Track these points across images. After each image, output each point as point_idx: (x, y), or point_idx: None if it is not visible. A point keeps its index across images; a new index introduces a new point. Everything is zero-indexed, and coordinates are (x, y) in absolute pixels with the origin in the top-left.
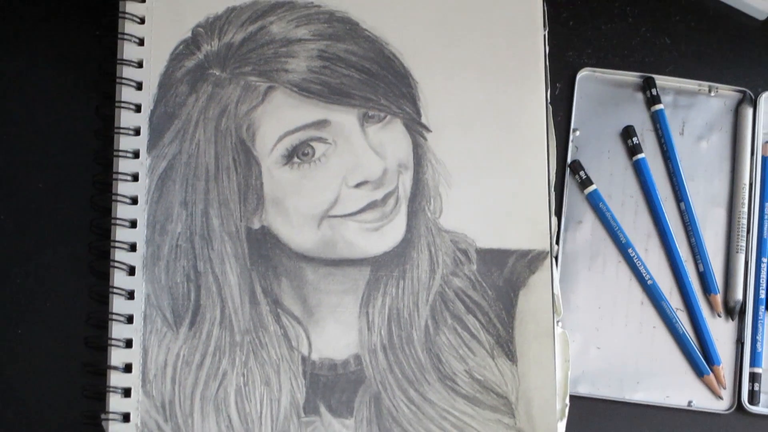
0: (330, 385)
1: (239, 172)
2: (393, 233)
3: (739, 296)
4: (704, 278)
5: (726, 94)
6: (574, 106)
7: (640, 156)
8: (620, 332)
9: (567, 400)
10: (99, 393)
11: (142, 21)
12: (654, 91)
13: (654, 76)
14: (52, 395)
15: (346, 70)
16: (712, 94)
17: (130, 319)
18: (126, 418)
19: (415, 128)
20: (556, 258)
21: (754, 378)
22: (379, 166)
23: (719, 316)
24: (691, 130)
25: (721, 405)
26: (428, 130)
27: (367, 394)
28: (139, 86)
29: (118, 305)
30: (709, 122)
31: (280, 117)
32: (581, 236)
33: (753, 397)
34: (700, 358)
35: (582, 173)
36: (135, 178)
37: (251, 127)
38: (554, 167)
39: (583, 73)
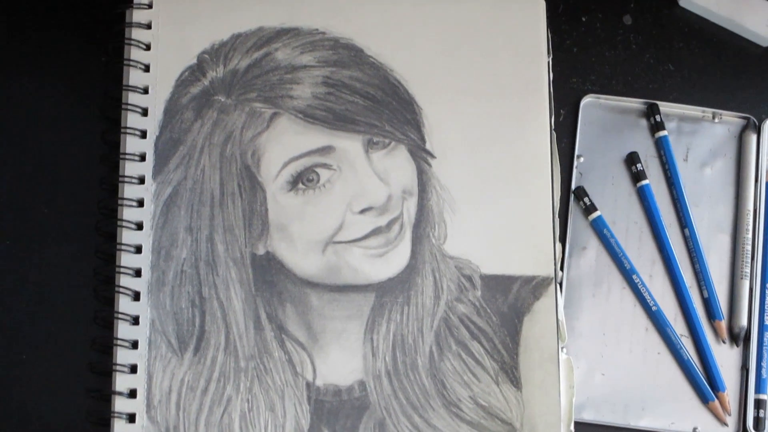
0: (334, 411)
1: (244, 197)
2: (397, 259)
3: (744, 322)
4: (709, 304)
5: (730, 120)
6: (578, 132)
7: (644, 182)
8: (625, 358)
9: (571, 427)
10: (104, 418)
11: (148, 47)
12: (658, 118)
13: (658, 102)
14: (57, 420)
15: (350, 96)
16: (716, 120)
17: (135, 345)
18: None
19: (420, 154)
20: (561, 284)
21: (759, 405)
22: (384, 192)
23: (724, 342)
24: (695, 156)
25: None
26: (433, 156)
27: (371, 420)
28: (144, 112)
29: (123, 330)
30: (713, 149)
31: (285, 143)
32: (586, 262)
33: (758, 424)
34: (705, 384)
35: (586, 199)
36: (140, 203)
37: (256, 153)
38: (558, 193)
39: (587, 100)
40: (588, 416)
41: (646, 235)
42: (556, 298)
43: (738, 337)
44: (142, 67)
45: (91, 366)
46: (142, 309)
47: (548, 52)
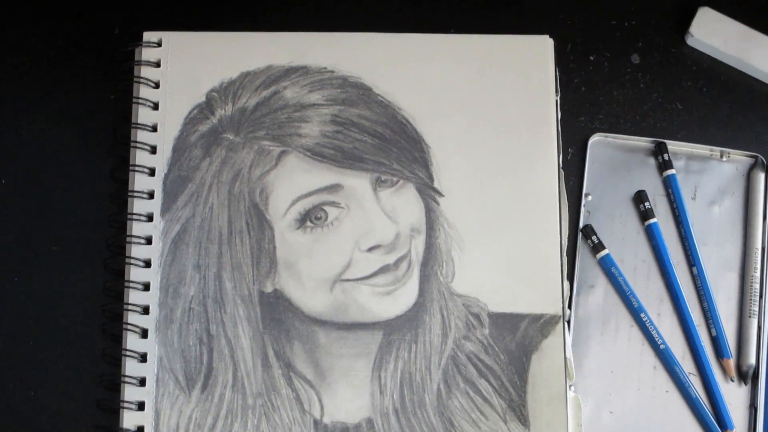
0: None
1: (252, 235)
2: (405, 297)
3: (752, 361)
4: (717, 343)
5: (738, 159)
6: (586, 170)
7: (652, 221)
8: (633, 397)
9: None
10: None
11: (157, 85)
12: (666, 156)
13: (666, 141)
14: None
15: (359, 134)
16: (724, 159)
17: (142, 382)
18: None
19: (428, 193)
20: (569, 322)
21: None
22: (392, 231)
23: (732, 380)
24: (703, 194)
25: None
26: (441, 194)
27: None
28: (153, 150)
29: (131, 368)
30: (721, 187)
31: (293, 181)
32: (593, 301)
33: None
34: (713, 422)
35: (594, 238)
36: (148, 241)
37: (264, 191)
38: (566, 232)
39: (595, 138)
40: None
41: (654, 273)
42: (564, 337)
43: (746, 376)
44: (151, 105)
45: (99, 403)
46: (150, 346)
47: (556, 91)
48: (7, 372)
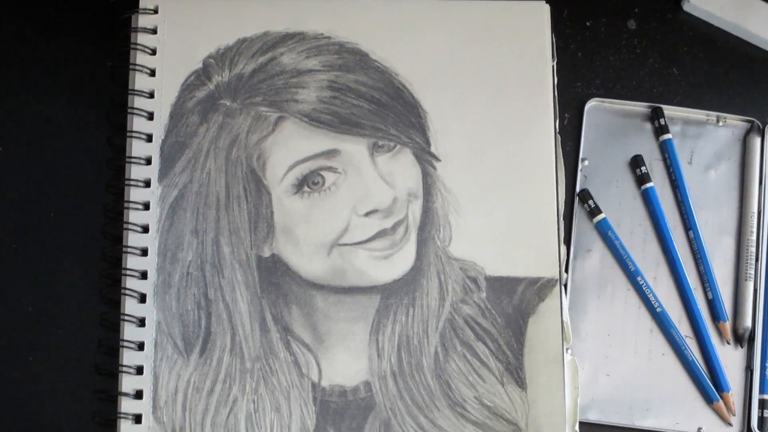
0: (340, 412)
1: (250, 201)
2: (402, 261)
3: (748, 323)
4: (713, 306)
5: (734, 123)
6: (583, 136)
7: (648, 185)
8: (629, 360)
9: (576, 427)
10: (110, 419)
11: (154, 52)
12: (662, 121)
13: (662, 106)
14: (64, 422)
15: (356, 100)
16: (720, 124)
17: (141, 346)
18: None
19: (425, 157)
20: (566, 286)
21: (763, 405)
22: (389, 195)
23: (728, 343)
24: (699, 159)
25: None
26: (438, 159)
27: (377, 421)
28: (150, 116)
29: (130, 332)
30: (718, 152)
31: (290, 147)
32: (590, 265)
33: (763, 424)
34: (709, 385)
35: (591, 202)
36: (146, 206)
37: (262, 156)
38: (563, 196)
39: (591, 104)
40: (593, 417)
41: (651, 237)
42: (560, 300)
43: (742, 338)
44: (148, 71)
45: (98, 367)
46: (148, 311)
47: (553, 56)
48: (5, 335)
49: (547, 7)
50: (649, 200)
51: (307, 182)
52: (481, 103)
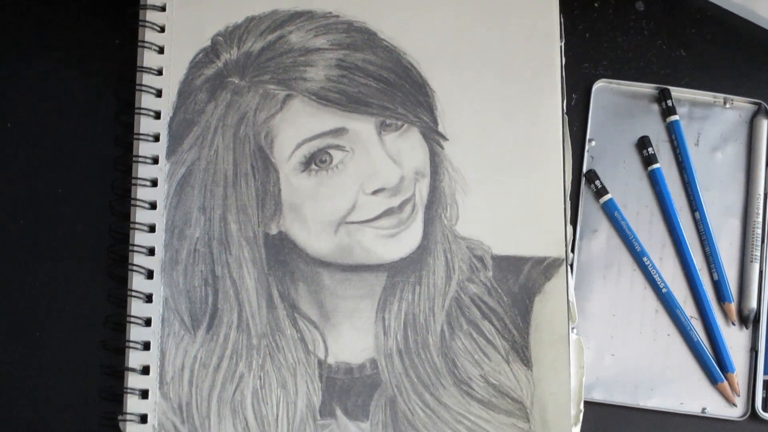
0: (346, 389)
1: (257, 178)
2: (409, 240)
3: (754, 305)
4: (719, 287)
5: (741, 106)
6: (590, 116)
7: (655, 166)
8: (635, 340)
9: (581, 406)
10: (116, 395)
11: (162, 29)
12: (669, 103)
13: (669, 87)
14: (70, 397)
15: (363, 79)
16: (727, 105)
17: (148, 322)
18: (143, 419)
19: (432, 137)
20: (572, 266)
21: (767, 385)
22: (396, 174)
23: (733, 324)
24: (706, 141)
25: (734, 412)
26: (445, 138)
27: (382, 398)
28: (158, 93)
29: (137, 308)
30: (724, 134)
31: (298, 125)
32: (596, 245)
33: (767, 405)
34: (714, 365)
35: (597, 183)
36: (154, 183)
37: (269, 134)
38: (570, 176)
39: (598, 85)
40: (598, 396)
41: (657, 218)
42: (566, 279)
43: (747, 320)
44: (157, 48)
45: (105, 343)
46: (156, 287)
47: (561, 37)
48: (12, 312)
49: None
50: (655, 181)
51: (315, 160)
52: (488, 82)
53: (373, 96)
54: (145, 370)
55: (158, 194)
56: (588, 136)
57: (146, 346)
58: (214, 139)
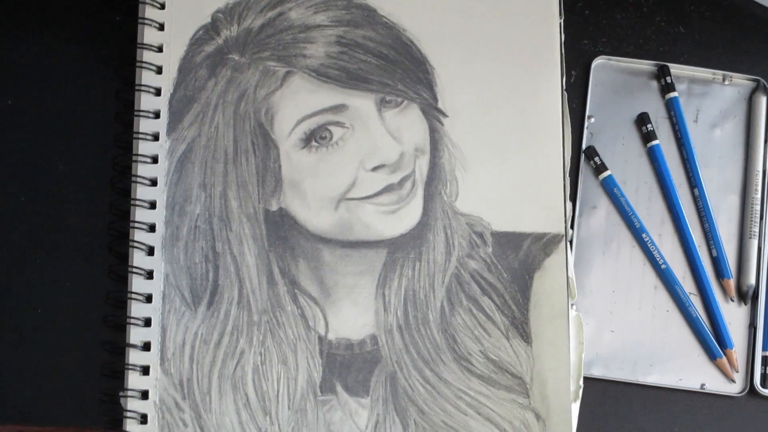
0: (346, 365)
1: (258, 155)
2: (409, 216)
3: (752, 281)
4: (717, 263)
5: (740, 82)
6: (589, 93)
7: (654, 143)
8: (634, 316)
9: (581, 382)
10: (117, 371)
11: (162, 6)
12: (668, 79)
13: (668, 64)
14: (71, 373)
15: (363, 55)
16: (726, 82)
17: (149, 299)
18: (144, 395)
19: (432, 113)
20: (571, 242)
21: (766, 361)
22: (396, 150)
23: (732, 300)
24: (705, 117)
25: (733, 388)
26: (445, 115)
27: (383, 374)
28: (159, 70)
29: (138, 284)
30: (723, 110)
31: (298, 101)
32: (596, 221)
33: (765, 380)
34: (713, 341)
35: (596, 159)
36: (154, 160)
37: (270, 111)
38: (569, 153)
39: (598, 61)
40: (597, 372)
41: (656, 194)
42: (566, 255)
43: (746, 296)
44: (157, 25)
45: (105, 319)
46: (156, 263)
47: (560, 14)
48: (13, 287)
49: None
50: (654, 158)
51: (315, 137)
52: (488, 59)
53: (373, 72)
54: (146, 347)
55: (159, 171)
56: (587, 113)
57: (147, 322)
58: (214, 116)
